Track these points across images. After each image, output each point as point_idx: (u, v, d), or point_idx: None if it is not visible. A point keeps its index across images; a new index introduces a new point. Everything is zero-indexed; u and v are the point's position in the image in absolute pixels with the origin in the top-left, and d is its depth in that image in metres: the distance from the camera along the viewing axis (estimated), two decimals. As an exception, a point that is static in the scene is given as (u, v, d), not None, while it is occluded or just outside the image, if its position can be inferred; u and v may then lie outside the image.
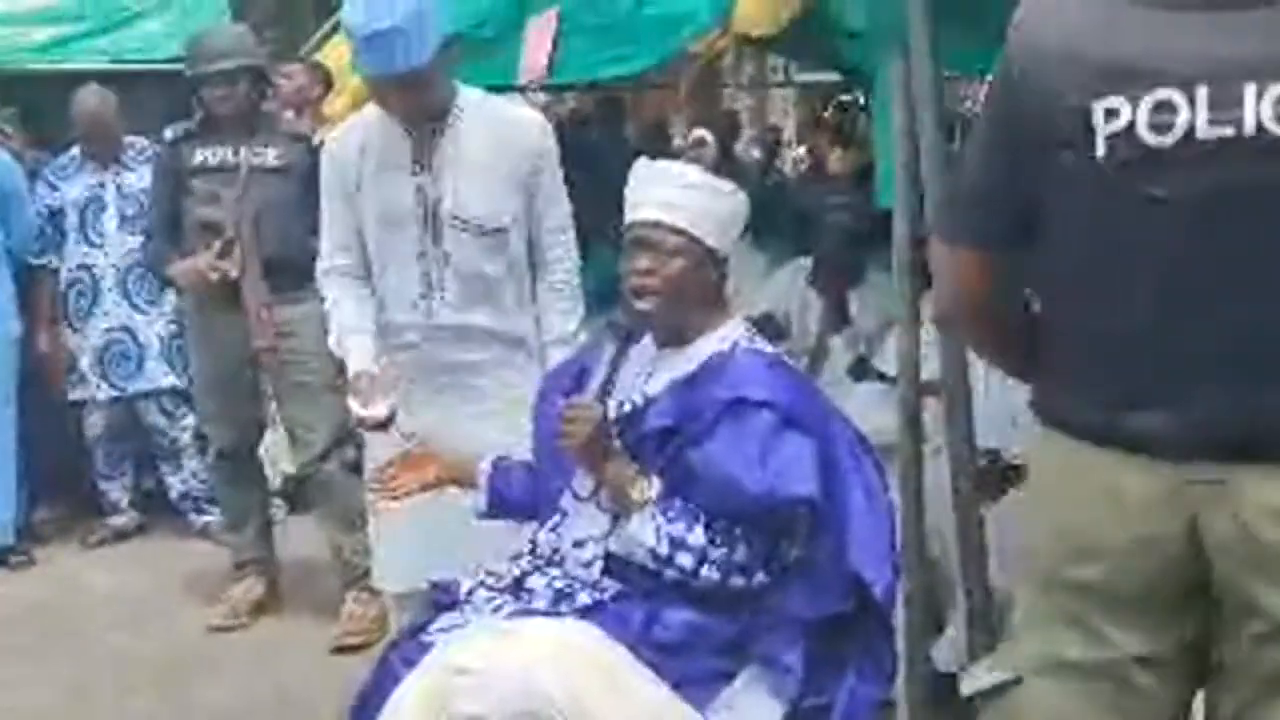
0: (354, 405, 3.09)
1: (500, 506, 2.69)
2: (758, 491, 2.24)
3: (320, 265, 3.32)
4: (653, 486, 2.31)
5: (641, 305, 2.40)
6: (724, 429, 2.29)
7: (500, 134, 3.12)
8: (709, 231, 2.39)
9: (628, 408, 2.43)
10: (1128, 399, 1.79)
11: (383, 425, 3.09)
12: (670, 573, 2.30)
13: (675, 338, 2.45)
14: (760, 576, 2.32)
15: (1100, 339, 1.82)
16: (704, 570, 2.28)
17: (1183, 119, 1.68)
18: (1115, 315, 1.80)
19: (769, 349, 2.48)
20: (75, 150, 5.16)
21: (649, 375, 2.45)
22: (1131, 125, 1.70)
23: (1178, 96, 1.68)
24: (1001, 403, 3.77)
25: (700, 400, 2.34)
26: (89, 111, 5.02)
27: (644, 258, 2.40)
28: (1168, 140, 1.69)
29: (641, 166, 2.51)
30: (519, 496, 2.66)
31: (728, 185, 2.47)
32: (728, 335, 2.44)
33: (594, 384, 2.39)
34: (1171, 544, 1.78)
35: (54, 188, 5.14)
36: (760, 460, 2.25)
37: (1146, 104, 1.69)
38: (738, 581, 2.30)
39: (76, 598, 4.75)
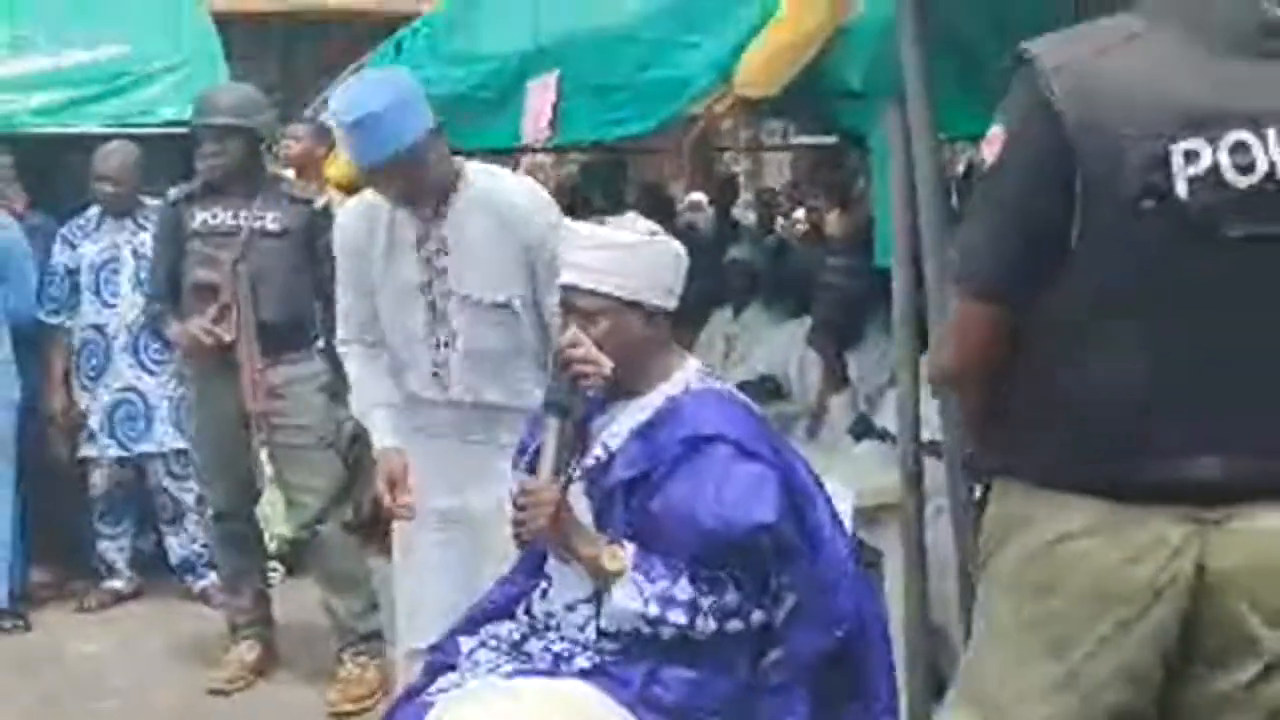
0: (381, 488, 3.16)
1: None
2: (714, 525, 2.23)
3: (338, 335, 3.38)
4: (627, 551, 2.29)
5: (574, 373, 2.39)
6: (681, 470, 2.29)
7: (503, 214, 3.14)
8: (628, 287, 2.38)
9: (591, 462, 2.43)
10: (1169, 448, 1.78)
11: (401, 515, 3.16)
12: (666, 630, 2.28)
13: (628, 390, 2.44)
14: (757, 615, 2.30)
15: (1143, 386, 1.80)
16: (699, 621, 2.27)
17: (1262, 160, 1.72)
18: (1166, 358, 1.79)
19: (719, 385, 2.47)
20: (93, 210, 5.18)
21: (609, 428, 2.45)
22: (1215, 167, 1.72)
23: (1251, 137, 1.72)
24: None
25: (658, 446, 2.34)
26: (113, 167, 5.05)
27: (572, 323, 2.41)
28: (1252, 180, 1.72)
29: (565, 229, 2.53)
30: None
31: (652, 238, 2.43)
32: (681, 379, 2.44)
33: (544, 464, 2.36)
34: (1183, 588, 1.79)
35: (72, 246, 5.16)
36: (715, 494, 2.24)
37: (1225, 145, 1.72)
38: (736, 625, 2.29)
39: (70, 662, 4.71)
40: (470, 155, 3.38)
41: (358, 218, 3.24)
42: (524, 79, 4.05)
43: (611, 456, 2.40)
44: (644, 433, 2.38)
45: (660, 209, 7.27)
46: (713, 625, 2.27)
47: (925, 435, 3.14)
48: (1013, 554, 1.89)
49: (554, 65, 3.92)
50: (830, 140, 7.32)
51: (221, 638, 4.54)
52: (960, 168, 8.70)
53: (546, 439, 2.36)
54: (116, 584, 5.32)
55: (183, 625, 4.99)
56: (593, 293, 2.38)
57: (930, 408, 3.12)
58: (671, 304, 2.45)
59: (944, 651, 3.36)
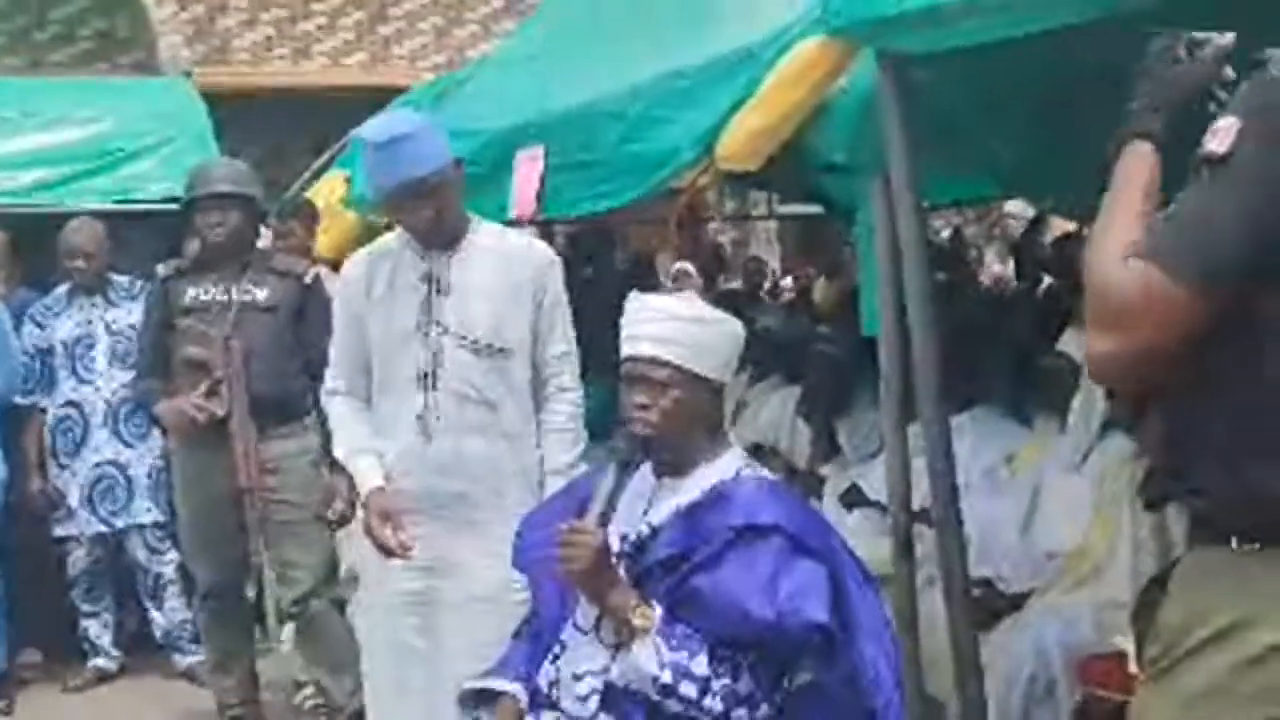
0: (374, 527, 3.11)
1: None
2: (770, 618, 2.22)
3: (325, 386, 3.39)
4: (655, 614, 2.29)
5: (642, 436, 2.42)
6: (733, 555, 2.28)
7: (509, 259, 3.23)
8: (701, 363, 2.41)
9: (633, 537, 2.42)
10: None
11: (398, 553, 3.11)
12: (672, 703, 2.26)
13: (675, 467, 2.45)
14: (764, 709, 2.29)
15: None
16: (707, 700, 2.25)
17: None
18: None
19: (771, 476, 2.48)
20: (62, 289, 5.20)
21: (651, 505, 2.44)
22: None
23: None
24: (993, 531, 3.76)
25: (707, 527, 2.33)
26: (72, 241, 5.08)
27: (640, 392, 2.42)
28: None
29: (634, 301, 2.54)
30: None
31: (718, 315, 2.49)
32: (729, 463, 2.44)
33: (594, 509, 2.37)
34: None
35: (41, 327, 5.17)
36: (771, 586, 2.24)
37: None
38: (740, 713, 2.27)
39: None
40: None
41: (360, 264, 3.31)
42: (512, 153, 4.09)
43: (654, 533, 2.40)
44: (690, 513, 2.38)
45: (649, 280, 7.30)
46: (719, 708, 2.25)
47: (915, 504, 3.15)
48: (1222, 661, 1.67)
49: (539, 139, 3.96)
50: (815, 210, 7.37)
51: (209, 717, 4.49)
52: (945, 234, 8.80)
53: (602, 485, 2.37)
54: (101, 662, 5.27)
55: (170, 704, 4.94)
56: (665, 364, 2.40)
57: (920, 476, 3.13)
58: (729, 381, 2.49)
59: (935, 715, 3.34)
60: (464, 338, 3.16)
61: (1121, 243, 1.69)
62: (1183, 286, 1.65)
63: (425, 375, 3.17)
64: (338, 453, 3.33)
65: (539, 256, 3.29)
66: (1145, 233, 1.69)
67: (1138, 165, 1.78)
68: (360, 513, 3.24)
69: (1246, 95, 1.70)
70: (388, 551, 3.11)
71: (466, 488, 3.18)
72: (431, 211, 3.12)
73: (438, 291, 3.18)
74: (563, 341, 3.27)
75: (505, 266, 3.21)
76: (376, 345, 3.24)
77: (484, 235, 3.27)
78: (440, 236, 3.18)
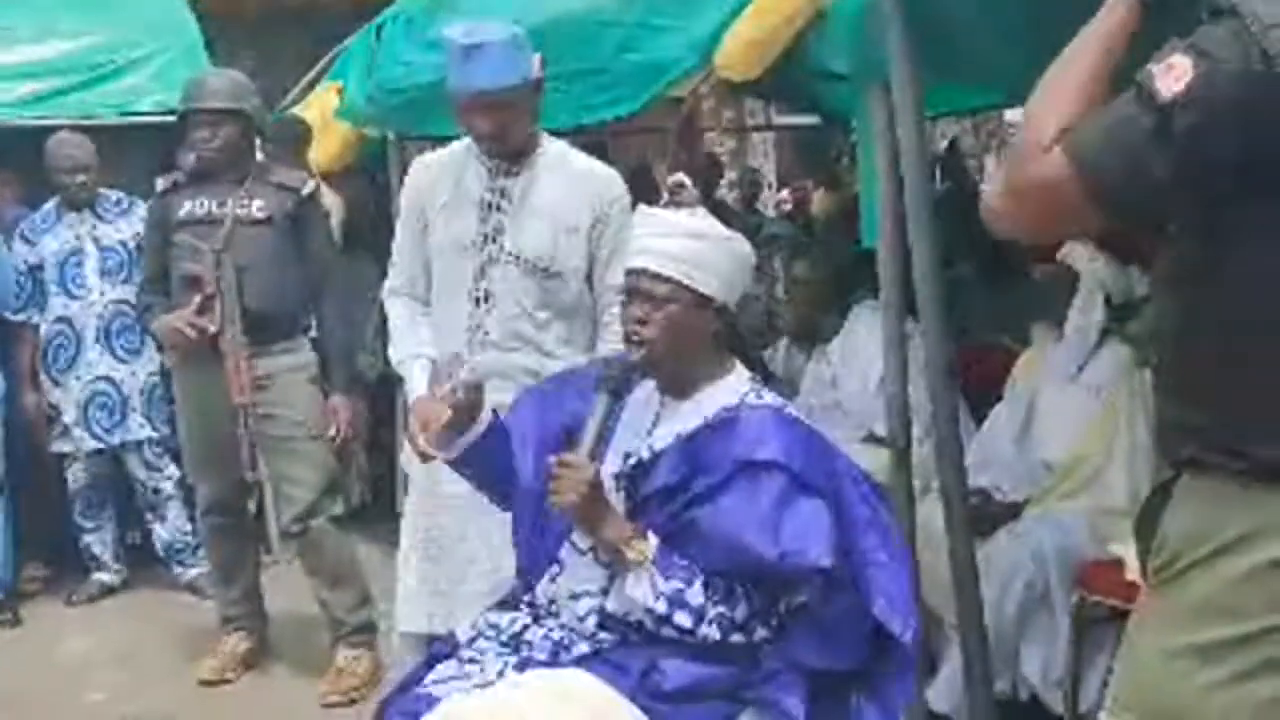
0: (414, 432, 3.13)
1: (476, 462, 2.59)
2: (771, 558, 2.20)
3: (386, 284, 3.41)
4: (650, 545, 2.28)
5: (636, 353, 2.39)
6: (735, 489, 2.26)
7: (574, 183, 3.20)
8: (702, 280, 2.36)
9: (633, 460, 2.39)
10: None
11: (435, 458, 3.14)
12: (668, 631, 2.26)
13: (677, 388, 2.42)
14: (761, 632, 2.29)
15: None
16: (703, 628, 2.25)
17: None
18: None
19: (776, 401, 2.43)
20: (50, 205, 5.17)
21: (653, 427, 2.43)
22: None
23: None
24: (990, 440, 3.78)
25: (709, 457, 2.30)
26: (65, 156, 5.04)
27: (637, 306, 2.38)
28: None
29: (639, 214, 2.51)
30: (498, 466, 2.56)
31: (725, 232, 2.42)
32: (734, 388, 2.40)
33: (586, 441, 2.35)
34: None
35: (31, 243, 5.15)
36: (773, 525, 2.21)
37: None
38: (737, 638, 2.27)
39: (60, 655, 4.71)
40: (452, 142, 3.36)
41: (429, 169, 3.29)
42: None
43: (656, 458, 2.37)
44: (693, 440, 2.35)
45: (645, 191, 7.24)
46: (716, 635, 2.26)
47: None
48: (1228, 572, 1.68)
49: (535, 49, 3.90)
50: (814, 120, 7.30)
51: (212, 629, 4.54)
52: (944, 143, 8.72)
53: (593, 416, 2.35)
54: (104, 577, 5.33)
55: (173, 616, 4.99)
56: (668, 280, 2.35)
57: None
58: (734, 304, 2.43)
59: (934, 626, 3.38)
60: (518, 255, 3.15)
61: (1061, 114, 1.68)
62: (1090, 205, 1.66)
63: (477, 288, 3.18)
64: (393, 356, 3.35)
65: (606, 184, 3.24)
66: (1080, 129, 1.65)
67: (1108, 17, 1.75)
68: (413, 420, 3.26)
69: (1207, 41, 1.63)
70: (424, 456, 3.14)
71: (508, 400, 3.19)
72: (498, 125, 3.10)
73: (498, 208, 3.17)
74: (622, 272, 3.24)
75: (569, 189, 3.18)
76: (435, 252, 3.26)
77: (552, 156, 3.23)
78: (505, 150, 3.16)
